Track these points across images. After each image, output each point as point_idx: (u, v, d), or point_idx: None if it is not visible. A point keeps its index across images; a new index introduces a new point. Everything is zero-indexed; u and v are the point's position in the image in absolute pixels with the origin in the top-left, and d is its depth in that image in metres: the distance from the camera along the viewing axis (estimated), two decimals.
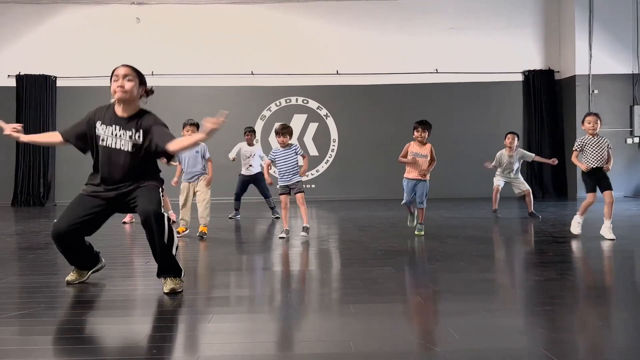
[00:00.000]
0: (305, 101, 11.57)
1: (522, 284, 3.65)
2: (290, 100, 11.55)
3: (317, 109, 11.56)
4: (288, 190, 5.72)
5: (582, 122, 5.67)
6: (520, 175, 7.76)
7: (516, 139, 7.71)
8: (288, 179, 5.68)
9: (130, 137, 3.39)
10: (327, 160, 11.55)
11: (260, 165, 7.72)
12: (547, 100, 11.44)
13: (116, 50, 11.03)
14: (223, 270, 4.27)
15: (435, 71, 11.45)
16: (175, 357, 2.36)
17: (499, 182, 7.78)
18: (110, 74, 3.46)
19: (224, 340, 2.56)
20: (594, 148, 5.51)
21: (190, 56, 11.18)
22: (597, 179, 5.51)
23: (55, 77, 11.11)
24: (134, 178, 3.43)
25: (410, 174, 5.85)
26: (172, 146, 3.34)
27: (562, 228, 6.20)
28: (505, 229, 6.40)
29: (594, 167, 5.49)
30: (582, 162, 5.57)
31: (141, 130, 3.40)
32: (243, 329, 2.73)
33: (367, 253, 4.82)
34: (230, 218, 7.65)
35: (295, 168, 5.73)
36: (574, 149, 5.68)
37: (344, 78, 11.43)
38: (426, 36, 11.47)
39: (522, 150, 7.86)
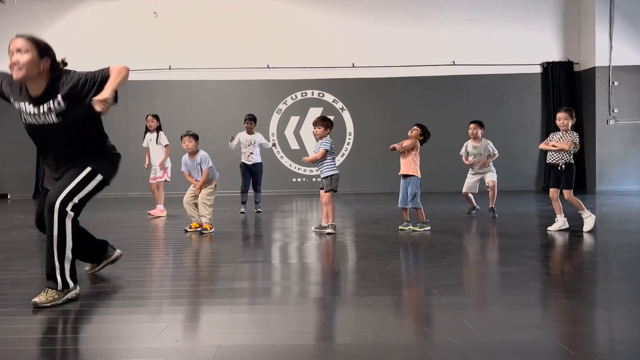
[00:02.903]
0: (321, 94, 11.58)
1: (538, 277, 3.65)
2: (306, 94, 11.57)
3: (332, 102, 11.57)
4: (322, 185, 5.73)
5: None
6: (492, 166, 6.95)
7: (479, 128, 6.92)
8: (320, 170, 5.70)
9: (50, 108, 2.98)
10: (343, 154, 11.57)
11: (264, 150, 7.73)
12: (566, 93, 11.29)
13: (133, 45, 11.15)
14: (240, 262, 4.33)
15: (452, 63, 11.36)
16: (196, 346, 2.42)
17: (468, 186, 6.96)
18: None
19: (243, 330, 2.61)
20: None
21: (206, 50, 11.25)
22: (555, 173, 5.61)
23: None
24: (73, 156, 3.09)
25: (401, 169, 5.89)
26: (107, 86, 2.91)
27: (579, 221, 6.15)
28: (521, 223, 6.37)
29: (551, 162, 5.62)
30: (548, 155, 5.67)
31: (59, 95, 2.97)
32: (262, 319, 2.79)
33: (383, 246, 4.84)
34: (241, 213, 7.54)
35: (325, 163, 5.63)
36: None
37: (360, 71, 11.41)
38: (443, 28, 11.38)
39: (490, 143, 6.96)
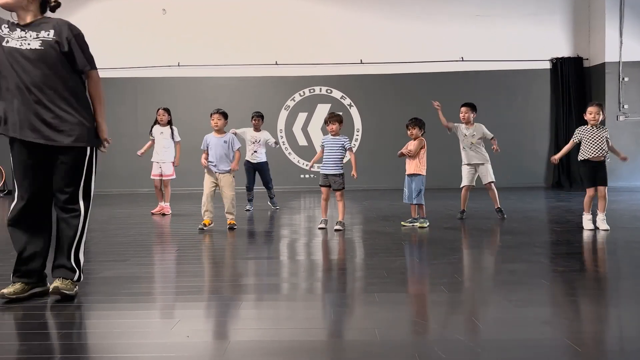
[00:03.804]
0: (329, 91, 11.59)
1: (546, 275, 3.66)
2: (314, 90, 11.59)
3: (340, 98, 11.57)
4: (328, 182, 5.74)
5: (584, 113, 5.58)
6: (489, 165, 6.49)
7: (471, 112, 6.60)
8: (328, 168, 5.71)
9: (37, 36, 2.92)
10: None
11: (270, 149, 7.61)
12: (575, 88, 11.23)
13: (142, 41, 11.21)
14: (249, 258, 4.37)
15: (461, 59, 11.33)
16: (207, 341, 2.45)
17: (468, 179, 6.50)
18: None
19: (253, 326, 2.65)
20: (592, 139, 5.39)
21: (215, 47, 11.29)
22: (595, 172, 5.40)
23: None
24: (51, 94, 2.93)
25: (407, 169, 5.89)
26: (90, 82, 3.05)
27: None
28: (529, 220, 6.36)
29: (592, 156, 5.36)
30: (579, 154, 5.48)
31: (52, 30, 2.95)
32: (271, 315, 2.82)
33: (391, 243, 4.86)
34: (247, 210, 7.46)
35: (339, 160, 5.69)
36: (573, 140, 5.56)
37: (368, 67, 11.40)
38: (451, 23, 11.35)
39: (483, 127, 6.61)
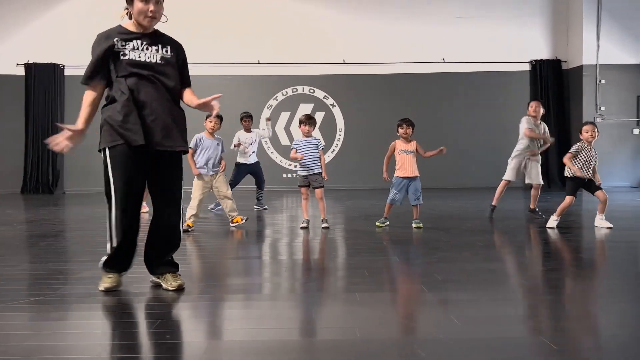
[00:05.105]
0: (311, 90, 11.60)
1: (524, 274, 3.71)
2: (297, 90, 11.59)
3: (323, 98, 11.59)
4: (307, 182, 5.78)
5: (580, 131, 5.77)
6: (538, 164, 6.54)
7: (541, 107, 6.64)
8: (308, 169, 5.75)
9: (157, 50, 3.11)
10: (334, 150, 11.60)
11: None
12: (554, 90, 11.42)
13: None
14: (230, 258, 4.35)
15: (442, 60, 11.43)
16: (186, 342, 2.44)
17: (513, 173, 6.59)
18: None
19: (233, 326, 2.64)
20: (587, 156, 5.62)
21: (196, 45, 11.12)
22: (584, 184, 5.69)
23: (64, 66, 11.18)
24: (167, 102, 3.12)
25: (401, 172, 5.85)
26: (185, 96, 3.24)
27: (566, 219, 6.24)
28: (508, 220, 6.45)
29: (586, 177, 5.64)
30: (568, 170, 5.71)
31: (169, 47, 3.17)
32: (251, 315, 2.82)
33: (373, 243, 4.89)
34: (210, 209, 7.32)
35: (316, 160, 5.78)
36: (570, 151, 5.72)
37: (351, 67, 11.44)
38: (433, 25, 11.45)
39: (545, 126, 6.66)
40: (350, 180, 11.34)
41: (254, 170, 7.60)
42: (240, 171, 7.52)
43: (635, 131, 11.03)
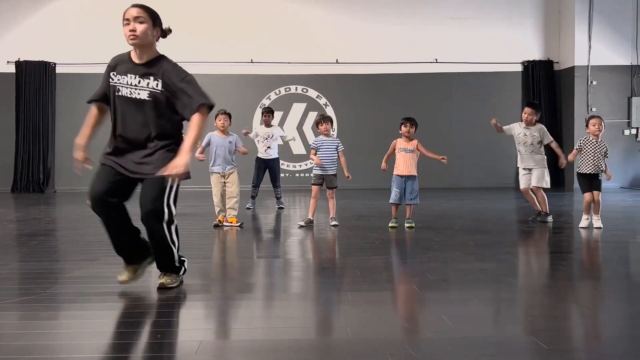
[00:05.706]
0: (304, 90, 11.59)
1: (515, 274, 3.73)
2: (290, 89, 11.57)
3: (316, 97, 11.59)
4: (321, 181, 5.81)
5: (587, 124, 5.74)
6: (544, 164, 6.19)
7: (535, 114, 6.38)
8: (324, 169, 5.79)
9: (148, 84, 3.08)
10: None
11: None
12: (545, 91, 11.48)
13: (116, 36, 10.95)
14: (223, 258, 4.34)
15: (435, 61, 11.46)
16: (179, 341, 2.43)
17: (524, 181, 6.18)
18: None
19: (225, 325, 2.64)
20: (593, 150, 5.57)
21: (189, 44, 11.14)
22: (591, 180, 5.64)
23: (55, 64, 11.09)
24: (153, 135, 3.08)
25: (398, 170, 5.86)
26: (190, 126, 3.07)
27: (558, 219, 6.28)
28: (500, 219, 6.48)
29: (590, 172, 5.58)
30: (578, 164, 5.68)
31: (160, 81, 3.09)
32: (243, 315, 2.81)
33: (365, 242, 4.89)
34: (247, 208, 7.32)
35: (335, 160, 5.85)
36: (575, 148, 5.74)
37: (344, 67, 11.44)
38: (426, 26, 11.47)
39: (545, 129, 6.38)
40: (343, 180, 11.32)
41: (270, 166, 7.61)
42: (259, 167, 7.58)
43: (626, 132, 11.11)
